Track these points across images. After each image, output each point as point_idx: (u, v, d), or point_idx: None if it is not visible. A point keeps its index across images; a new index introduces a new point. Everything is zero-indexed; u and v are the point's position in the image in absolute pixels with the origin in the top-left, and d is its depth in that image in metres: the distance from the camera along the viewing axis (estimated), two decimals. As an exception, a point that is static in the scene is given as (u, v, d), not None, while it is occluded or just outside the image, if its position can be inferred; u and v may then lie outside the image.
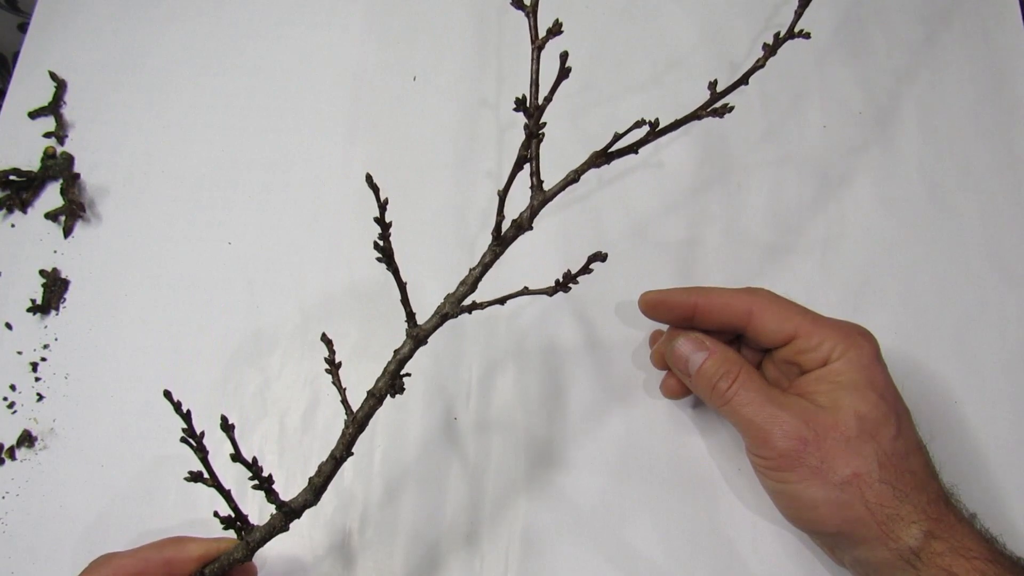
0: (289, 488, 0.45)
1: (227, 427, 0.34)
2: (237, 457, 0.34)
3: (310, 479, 0.36)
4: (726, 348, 0.42)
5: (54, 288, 0.50)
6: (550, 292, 0.38)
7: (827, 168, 0.53)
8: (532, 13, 0.36)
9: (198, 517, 0.45)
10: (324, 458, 0.43)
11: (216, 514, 0.35)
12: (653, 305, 0.44)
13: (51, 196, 0.53)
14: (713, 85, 0.39)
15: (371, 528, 0.45)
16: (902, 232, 0.52)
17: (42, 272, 0.51)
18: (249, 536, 0.36)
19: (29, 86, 0.56)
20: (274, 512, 0.36)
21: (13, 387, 0.48)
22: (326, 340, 0.39)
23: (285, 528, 0.36)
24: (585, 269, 0.37)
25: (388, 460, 0.46)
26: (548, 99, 0.34)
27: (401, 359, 0.36)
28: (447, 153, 0.54)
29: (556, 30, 0.35)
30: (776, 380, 0.43)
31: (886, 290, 0.50)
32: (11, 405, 0.48)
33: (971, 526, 0.37)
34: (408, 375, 0.37)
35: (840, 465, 0.37)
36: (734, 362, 0.41)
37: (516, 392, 0.48)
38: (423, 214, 0.52)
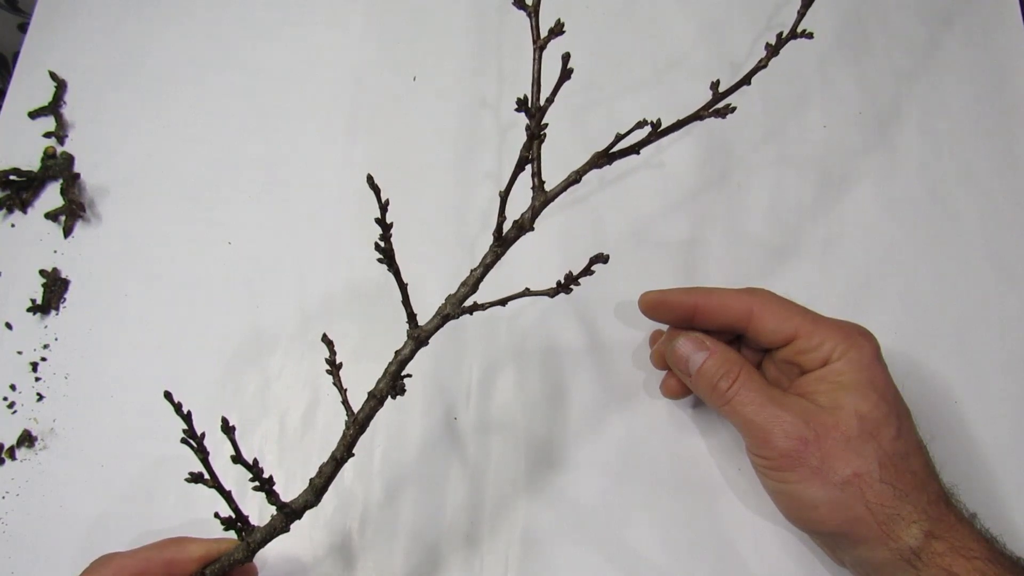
0: (289, 488, 0.45)
1: (228, 429, 0.34)
2: (238, 459, 0.34)
3: (311, 480, 0.36)
4: (726, 348, 0.42)
5: (54, 288, 0.50)
6: (551, 293, 0.38)
7: (827, 168, 0.53)
8: (534, 13, 0.36)
9: (198, 517, 0.45)
10: (324, 458, 0.43)
11: (217, 515, 0.35)
12: (653, 305, 0.44)
13: (51, 196, 0.53)
14: (716, 85, 0.39)
15: (371, 528, 0.45)
16: (902, 232, 0.52)
17: (42, 272, 0.51)
18: (250, 537, 0.36)
19: (29, 86, 0.56)
20: (275, 513, 0.36)
21: (13, 387, 0.48)
22: (327, 341, 0.39)
23: (286, 529, 0.36)
24: (587, 271, 0.37)
25: (388, 460, 0.46)
26: (550, 100, 0.34)
27: (402, 360, 0.36)
28: (447, 153, 0.54)
29: (558, 30, 0.35)
30: (776, 380, 0.43)
31: (886, 290, 0.50)
32: (11, 405, 0.48)
33: (971, 526, 0.37)
34: (409, 376, 0.37)
35: (840, 465, 0.37)
36: (734, 362, 0.41)
37: (516, 392, 0.48)
38: (423, 214, 0.52)
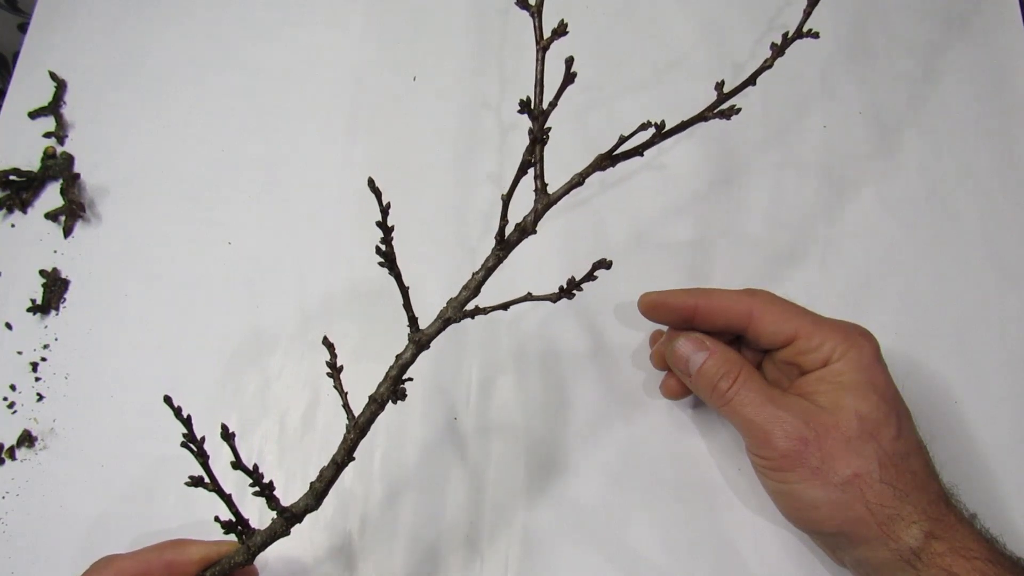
0: (289, 488, 0.45)
1: (227, 436, 0.34)
2: (238, 465, 0.34)
3: (311, 484, 0.36)
4: (726, 348, 0.42)
5: (54, 288, 0.50)
6: (554, 299, 0.38)
7: (827, 168, 0.53)
8: (537, 13, 0.36)
9: (198, 518, 0.45)
10: (324, 458, 0.43)
11: (217, 519, 0.35)
12: (653, 306, 0.44)
13: (51, 196, 0.53)
14: (720, 86, 0.39)
15: (371, 529, 0.45)
16: (902, 232, 0.52)
17: (42, 272, 0.51)
18: (250, 540, 0.36)
19: (29, 86, 0.56)
20: (275, 517, 0.36)
21: (13, 387, 0.48)
22: (328, 344, 0.39)
23: (286, 533, 0.36)
24: (589, 276, 0.37)
25: (388, 461, 0.46)
26: (553, 104, 0.34)
27: (403, 364, 0.36)
28: (447, 153, 0.54)
29: (561, 31, 0.34)
30: (776, 380, 0.43)
31: (886, 290, 0.50)
32: (11, 405, 0.48)
33: (971, 526, 0.37)
34: (410, 379, 0.37)
35: (841, 465, 0.37)
36: (734, 362, 0.41)
37: (516, 393, 0.48)
38: (423, 214, 0.52)
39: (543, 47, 0.35)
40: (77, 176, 0.53)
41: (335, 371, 0.38)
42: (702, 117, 0.38)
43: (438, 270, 0.50)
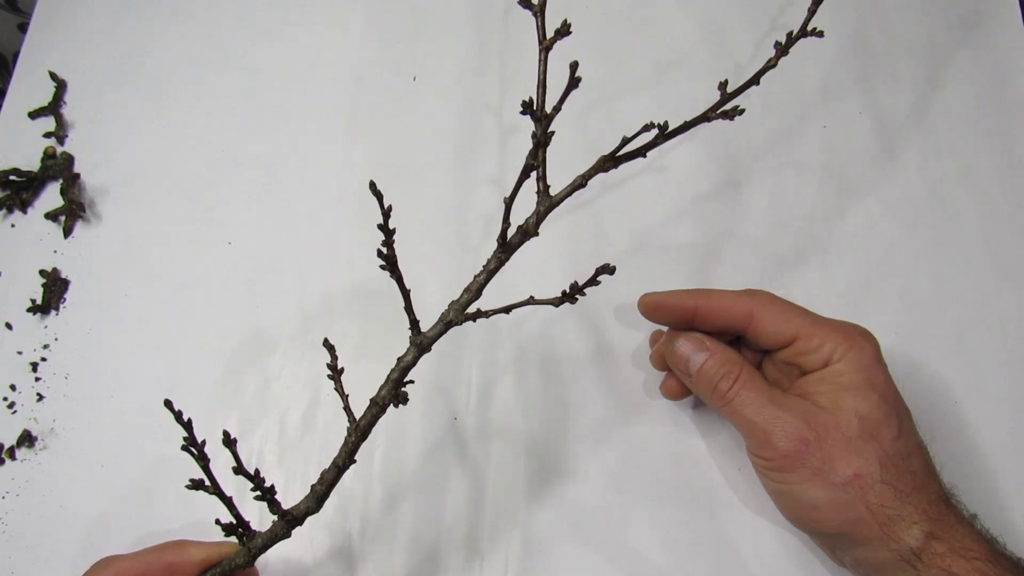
0: (289, 488, 0.45)
1: (229, 442, 0.34)
2: (239, 470, 0.34)
3: (312, 486, 0.36)
4: (727, 348, 0.42)
5: (54, 288, 0.50)
6: (556, 303, 0.38)
7: (827, 168, 0.53)
8: (540, 13, 0.36)
9: (198, 518, 0.45)
10: (324, 458, 0.43)
11: (218, 522, 0.35)
12: (653, 307, 0.44)
13: (51, 196, 0.53)
14: (723, 86, 0.38)
15: (372, 530, 0.45)
16: (902, 232, 0.52)
17: (42, 272, 0.51)
18: (251, 543, 0.36)
19: (29, 86, 0.56)
20: (276, 520, 0.36)
21: (13, 387, 0.48)
22: (328, 346, 0.39)
23: (287, 535, 0.36)
24: (592, 281, 0.37)
25: (388, 462, 0.46)
26: (557, 108, 0.34)
27: (405, 367, 0.36)
28: (447, 153, 0.54)
29: (564, 31, 0.34)
30: (776, 381, 0.43)
31: (886, 290, 0.50)
32: (11, 405, 0.48)
33: (971, 527, 0.37)
34: (411, 382, 0.36)
35: (841, 466, 0.37)
36: (735, 362, 0.41)
37: (516, 393, 0.48)
38: (423, 214, 0.52)
39: (546, 47, 0.35)
40: (77, 176, 0.53)
41: (336, 373, 0.38)
42: (705, 118, 0.38)
43: (438, 270, 0.50)
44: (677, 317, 0.43)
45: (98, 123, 0.55)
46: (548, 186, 0.36)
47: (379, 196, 0.33)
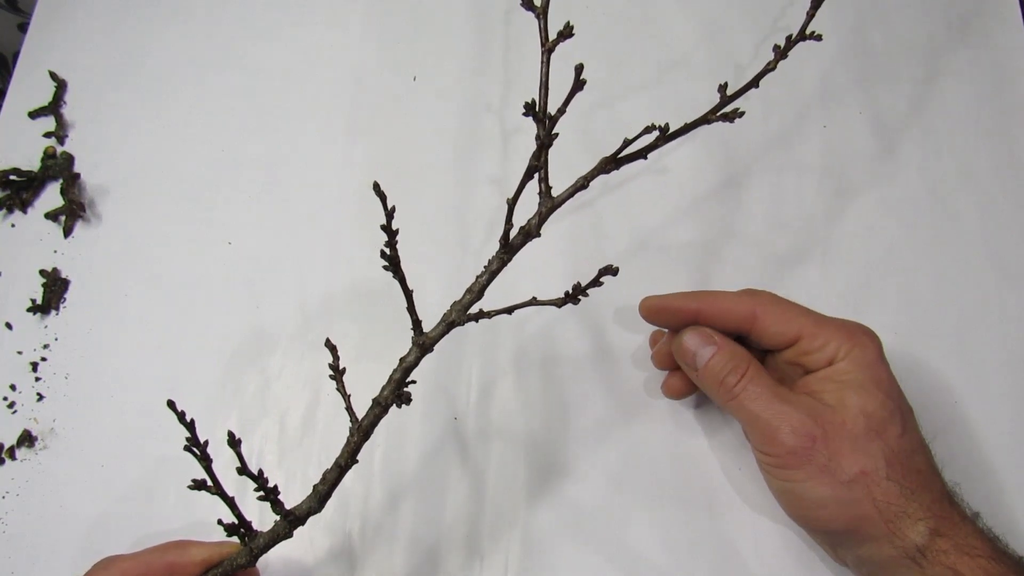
0: (289, 488, 0.45)
1: (234, 443, 0.34)
2: (244, 471, 0.34)
3: (315, 486, 0.36)
4: (734, 344, 0.42)
5: (54, 288, 0.50)
6: (559, 304, 0.38)
7: (827, 168, 0.53)
8: (542, 15, 0.36)
9: (199, 518, 0.45)
10: (324, 458, 0.43)
11: (220, 522, 0.35)
12: (654, 311, 0.44)
13: (51, 196, 0.53)
14: (723, 88, 0.38)
15: (372, 529, 0.45)
16: (902, 232, 0.52)
17: (42, 272, 0.51)
18: (253, 543, 0.36)
19: (29, 86, 0.56)
20: (278, 519, 0.36)
21: (13, 387, 0.48)
22: (330, 346, 0.39)
23: (289, 535, 0.36)
24: (595, 282, 0.37)
25: (389, 461, 0.46)
26: (562, 111, 0.34)
27: (407, 367, 0.36)
28: (447, 153, 0.54)
29: (567, 33, 0.34)
30: (779, 381, 0.43)
31: (886, 290, 0.50)
32: (11, 405, 0.48)
33: (974, 525, 0.37)
34: (413, 382, 0.37)
35: (848, 463, 0.37)
36: (742, 357, 0.41)
37: (517, 393, 0.48)
38: (423, 214, 0.52)
39: (548, 49, 0.35)
40: (77, 176, 0.53)
41: (338, 373, 0.38)
42: (705, 120, 0.38)
43: (438, 270, 0.50)
44: (679, 320, 0.43)
45: (98, 123, 0.55)
46: (550, 187, 0.36)
47: (383, 197, 0.33)
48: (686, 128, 0.37)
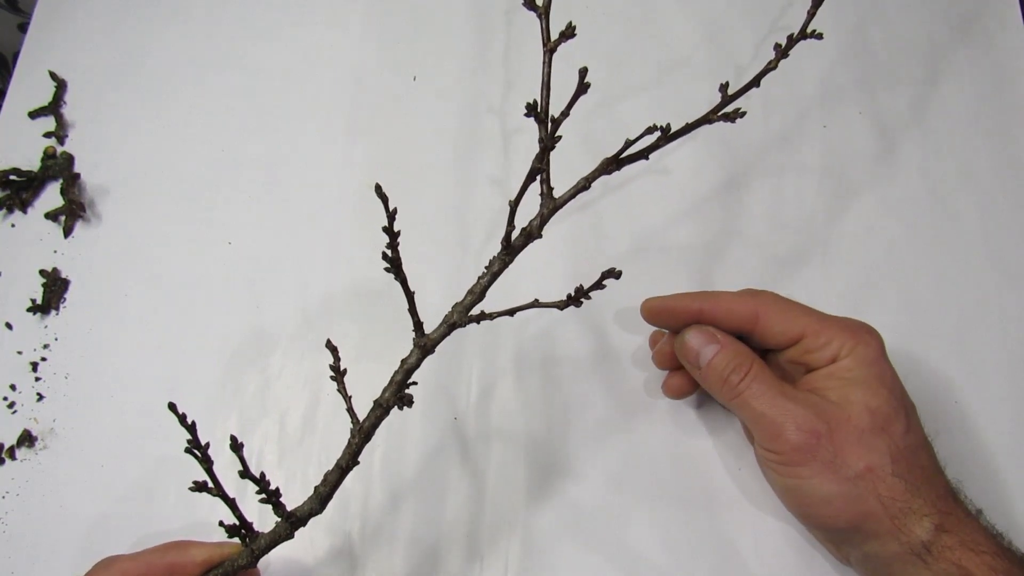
0: (289, 488, 0.45)
1: (236, 447, 0.34)
2: (246, 474, 0.34)
3: (316, 488, 0.36)
4: (737, 342, 0.42)
5: (54, 288, 0.50)
6: (561, 306, 0.38)
7: (827, 168, 0.53)
8: (544, 15, 0.36)
9: (199, 518, 0.45)
10: (324, 459, 0.43)
11: (221, 523, 0.35)
12: (656, 312, 0.44)
13: (51, 196, 0.53)
14: (724, 88, 0.38)
15: (372, 530, 0.45)
16: (902, 232, 0.52)
17: (42, 272, 0.51)
18: (254, 544, 0.36)
19: (29, 86, 0.56)
20: (279, 521, 0.36)
21: (13, 387, 0.48)
22: (331, 347, 0.39)
23: (290, 536, 0.36)
24: (598, 284, 0.37)
25: (389, 461, 0.46)
26: (565, 114, 0.34)
27: (408, 369, 0.36)
28: (447, 153, 0.54)
29: (569, 33, 0.34)
30: (781, 379, 0.43)
31: (886, 290, 0.50)
32: (11, 405, 0.48)
33: (978, 521, 0.37)
34: (414, 383, 0.36)
35: (854, 459, 0.37)
36: (746, 355, 0.41)
37: (517, 393, 0.48)
38: (423, 214, 0.52)
39: (550, 49, 0.35)
40: (77, 176, 0.53)
41: (338, 374, 0.38)
42: (707, 120, 0.38)
43: (438, 270, 0.50)
44: (681, 321, 0.43)
45: (98, 123, 0.55)
46: (552, 188, 0.36)
47: (384, 199, 0.33)
48: (688, 128, 0.37)
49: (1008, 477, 0.45)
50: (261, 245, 0.52)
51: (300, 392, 0.48)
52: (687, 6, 0.58)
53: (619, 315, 0.49)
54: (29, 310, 0.50)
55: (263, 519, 0.43)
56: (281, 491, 0.35)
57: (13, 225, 0.52)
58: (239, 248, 0.52)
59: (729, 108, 0.38)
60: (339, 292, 0.50)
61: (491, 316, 0.37)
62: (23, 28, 0.69)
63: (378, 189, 0.33)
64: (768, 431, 0.39)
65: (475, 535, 0.45)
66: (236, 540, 0.36)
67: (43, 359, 0.49)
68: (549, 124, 0.34)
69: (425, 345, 0.36)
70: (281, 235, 0.52)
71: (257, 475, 0.34)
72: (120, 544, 0.44)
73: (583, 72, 0.33)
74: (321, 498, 0.36)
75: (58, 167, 0.53)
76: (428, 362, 0.48)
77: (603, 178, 0.37)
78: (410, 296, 0.36)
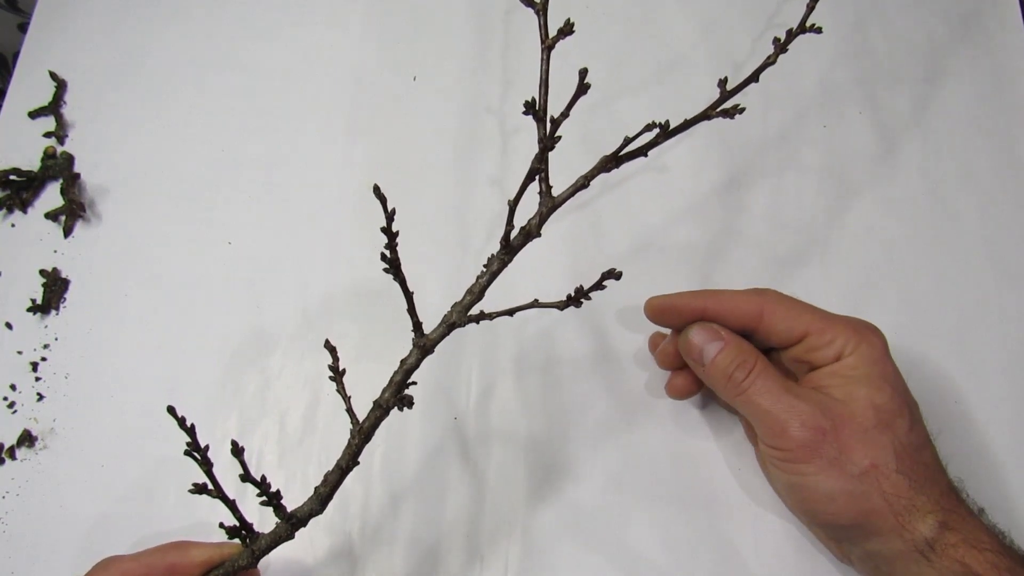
0: (289, 488, 0.45)
1: (237, 451, 0.34)
2: (247, 478, 0.34)
3: (316, 488, 0.36)
4: (741, 339, 0.42)
5: (54, 288, 0.50)
6: (561, 306, 0.38)
7: (827, 168, 0.53)
8: (542, 12, 0.36)
9: (199, 519, 0.45)
10: (324, 458, 0.43)
11: (221, 525, 0.35)
12: (659, 311, 0.44)
13: (51, 196, 0.53)
14: (723, 83, 0.38)
15: (372, 530, 0.45)
16: (902, 232, 0.52)
17: (42, 272, 0.51)
18: (254, 544, 0.36)
19: (29, 86, 0.56)
20: (279, 521, 0.36)
21: (13, 387, 0.48)
22: (330, 347, 0.39)
23: (290, 536, 0.36)
24: (598, 285, 0.37)
25: (389, 461, 0.46)
26: (565, 114, 0.33)
27: (408, 369, 0.36)
28: (447, 153, 0.54)
29: (567, 30, 0.34)
30: (785, 377, 0.43)
31: (886, 290, 0.50)
32: (11, 405, 0.48)
33: (981, 519, 0.37)
34: (414, 383, 0.36)
35: (858, 456, 0.37)
36: (750, 352, 0.41)
37: (517, 393, 0.48)
38: (423, 214, 0.52)
39: (548, 46, 0.35)
40: (77, 176, 0.53)
41: (338, 375, 0.38)
42: (705, 116, 0.37)
43: (438, 270, 0.50)
44: (684, 320, 0.43)
45: (98, 123, 0.55)
46: (551, 187, 0.36)
47: (383, 200, 0.33)
48: (687, 124, 0.37)
49: (1009, 476, 0.46)
50: (261, 245, 0.52)
51: (300, 392, 0.48)
52: (686, 5, 0.58)
53: (619, 315, 0.49)
54: (29, 310, 0.50)
55: (263, 519, 0.43)
56: (281, 492, 0.35)
57: (13, 225, 0.52)
58: (239, 248, 0.52)
59: (728, 104, 0.38)
60: (339, 292, 0.50)
61: (490, 316, 0.37)
62: (23, 28, 0.69)
63: (376, 190, 0.33)
64: (772, 428, 0.39)
65: (475, 535, 0.45)
66: (236, 540, 0.36)
67: (43, 359, 0.49)
68: (548, 122, 0.34)
69: (424, 345, 0.36)
70: (281, 235, 0.52)
71: (258, 478, 0.34)
72: (120, 544, 0.44)
73: (583, 73, 0.33)
74: (321, 498, 0.36)
75: (58, 167, 0.53)
76: (428, 362, 0.48)
77: (602, 177, 0.37)
78: (409, 296, 0.36)
